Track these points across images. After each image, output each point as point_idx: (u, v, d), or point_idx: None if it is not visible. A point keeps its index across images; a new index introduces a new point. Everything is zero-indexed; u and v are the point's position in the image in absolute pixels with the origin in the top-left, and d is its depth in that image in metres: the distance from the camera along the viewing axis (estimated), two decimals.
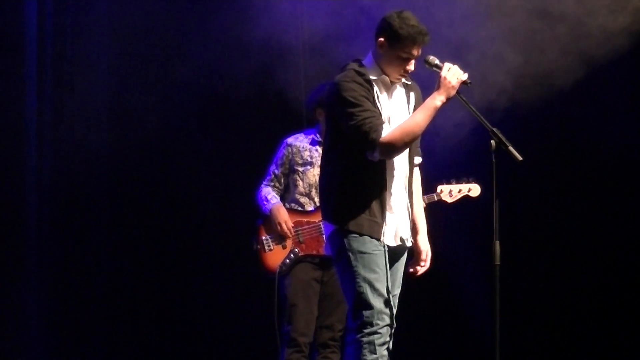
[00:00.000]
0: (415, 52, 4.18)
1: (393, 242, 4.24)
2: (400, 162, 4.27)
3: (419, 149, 4.44)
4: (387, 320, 4.16)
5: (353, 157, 4.16)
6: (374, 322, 4.12)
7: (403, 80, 4.31)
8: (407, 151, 4.27)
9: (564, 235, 6.81)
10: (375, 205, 4.16)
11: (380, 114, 4.16)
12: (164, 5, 6.80)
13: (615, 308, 6.70)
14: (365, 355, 4.12)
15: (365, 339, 4.12)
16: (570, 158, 6.79)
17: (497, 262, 4.20)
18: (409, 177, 4.33)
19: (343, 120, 4.13)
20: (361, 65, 4.25)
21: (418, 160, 4.45)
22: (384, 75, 4.24)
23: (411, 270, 4.42)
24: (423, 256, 4.42)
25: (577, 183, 6.75)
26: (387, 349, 4.21)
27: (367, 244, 4.15)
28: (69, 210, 6.73)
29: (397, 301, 4.31)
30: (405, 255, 4.37)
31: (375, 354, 4.12)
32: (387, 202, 4.19)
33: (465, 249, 6.46)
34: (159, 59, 6.84)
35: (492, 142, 4.18)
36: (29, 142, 6.59)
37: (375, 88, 4.20)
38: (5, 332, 6.44)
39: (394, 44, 4.17)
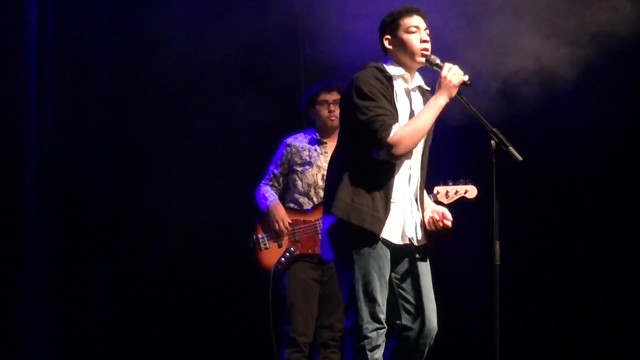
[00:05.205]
0: (416, 22, 4.23)
1: (399, 241, 4.19)
2: (413, 164, 4.24)
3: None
4: (377, 324, 4.13)
5: (364, 154, 4.13)
6: (363, 326, 4.10)
7: (423, 85, 4.32)
8: (420, 155, 4.26)
9: (564, 235, 6.81)
10: (379, 201, 4.11)
11: (395, 113, 4.14)
12: (165, 6, 6.81)
13: (616, 308, 6.70)
14: None
15: (355, 345, 4.11)
16: (571, 157, 6.78)
17: (497, 262, 4.19)
18: (421, 182, 4.29)
19: (356, 112, 4.10)
20: (381, 64, 4.26)
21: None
22: (405, 74, 4.25)
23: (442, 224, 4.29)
24: (438, 216, 4.29)
25: (577, 183, 6.75)
26: (399, 348, 4.23)
27: (366, 244, 4.10)
28: (69, 210, 6.73)
29: (434, 305, 4.25)
30: (427, 260, 4.30)
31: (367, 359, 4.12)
32: (391, 199, 4.14)
33: (465, 249, 6.45)
34: (159, 59, 6.84)
35: (492, 142, 4.19)
36: (29, 142, 6.59)
37: (395, 86, 4.20)
38: (5, 332, 6.44)
39: (396, 28, 4.23)
